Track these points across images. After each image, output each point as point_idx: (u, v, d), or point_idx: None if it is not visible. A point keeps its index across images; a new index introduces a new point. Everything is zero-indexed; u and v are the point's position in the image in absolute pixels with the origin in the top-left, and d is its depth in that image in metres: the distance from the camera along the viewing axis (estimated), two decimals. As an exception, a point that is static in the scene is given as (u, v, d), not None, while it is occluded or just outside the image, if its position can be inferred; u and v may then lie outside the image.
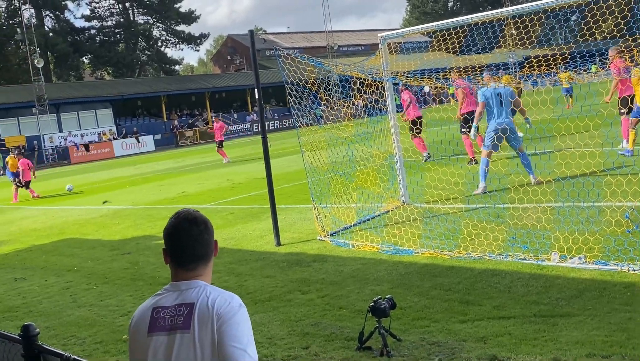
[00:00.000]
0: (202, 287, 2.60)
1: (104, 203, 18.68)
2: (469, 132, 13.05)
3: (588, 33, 10.72)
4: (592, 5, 9.31)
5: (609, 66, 14.19)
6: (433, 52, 13.61)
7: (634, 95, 13.49)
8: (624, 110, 13.68)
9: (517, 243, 7.72)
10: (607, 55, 13.43)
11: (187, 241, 2.63)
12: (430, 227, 9.20)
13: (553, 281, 6.44)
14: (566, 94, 28.34)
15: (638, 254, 6.59)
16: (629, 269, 6.31)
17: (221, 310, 2.50)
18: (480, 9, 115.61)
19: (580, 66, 10.06)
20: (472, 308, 6.00)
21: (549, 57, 10.44)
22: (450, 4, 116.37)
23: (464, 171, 12.30)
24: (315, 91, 10.89)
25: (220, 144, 29.04)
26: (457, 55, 13.45)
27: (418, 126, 16.27)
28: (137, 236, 12.36)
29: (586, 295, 5.90)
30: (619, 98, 14.00)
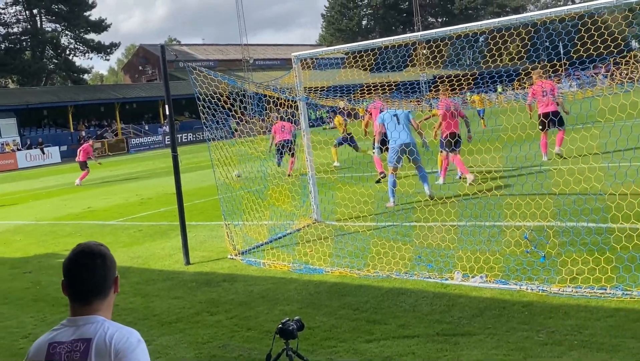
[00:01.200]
0: (100, 322, 2.57)
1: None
2: (449, 151, 13.52)
3: (497, 54, 11.19)
4: (495, 34, 9.73)
5: (529, 86, 15.11)
6: (348, 68, 13.83)
7: (556, 111, 14.70)
8: (543, 126, 14.93)
9: (422, 261, 7.94)
10: (514, 77, 14.21)
11: (84, 276, 2.61)
12: (340, 245, 9.33)
13: (456, 299, 6.65)
14: (480, 116, 29.20)
15: (536, 274, 6.90)
16: (527, 288, 6.59)
17: (120, 345, 2.48)
18: (393, 28, 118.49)
19: (488, 87, 10.52)
20: (379, 327, 6.12)
21: (460, 77, 10.85)
22: (364, 22, 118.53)
23: (373, 191, 12.54)
24: (230, 105, 10.88)
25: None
26: (371, 72, 13.73)
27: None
28: (40, 253, 11.94)
29: (487, 314, 6.12)
30: (540, 114, 15.16)
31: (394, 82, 12.96)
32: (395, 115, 11.96)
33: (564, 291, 6.39)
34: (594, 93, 15.20)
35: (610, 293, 6.16)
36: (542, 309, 6.06)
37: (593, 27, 8.64)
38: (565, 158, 14.26)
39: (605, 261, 6.75)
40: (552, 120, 14.62)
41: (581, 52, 9.19)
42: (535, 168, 12.53)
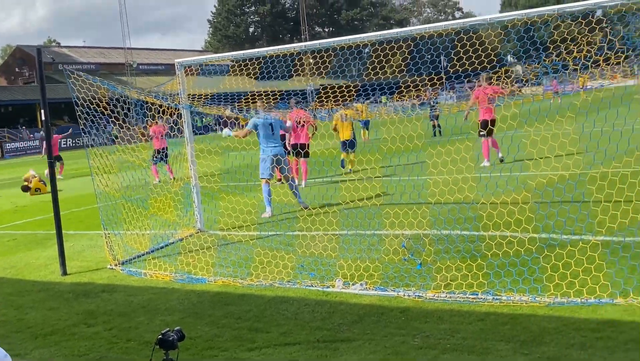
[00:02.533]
0: None
1: None
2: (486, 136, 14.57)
3: (379, 67, 11.52)
4: (377, 46, 10.03)
5: (474, 92, 16.04)
6: (234, 76, 13.80)
7: (494, 119, 15.37)
8: (483, 132, 15.52)
9: (305, 270, 8.03)
10: (402, 88, 14.84)
11: None
12: (223, 255, 9.28)
13: (337, 306, 6.78)
14: (363, 127, 29.71)
15: (413, 280, 7.15)
16: (404, 295, 6.82)
17: None
18: (280, 36, 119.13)
19: (372, 98, 10.84)
20: (261, 335, 6.14)
21: (343, 87, 11.08)
22: (251, 30, 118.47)
23: (256, 200, 12.55)
24: (110, 111, 10.59)
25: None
26: (257, 81, 13.76)
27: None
28: None
29: (366, 320, 6.28)
30: (479, 121, 15.78)
31: (278, 91, 13.09)
32: (271, 124, 12.08)
33: (438, 296, 6.65)
34: (470, 107, 15.95)
35: (481, 298, 6.47)
36: (418, 314, 6.28)
37: (468, 43, 9.08)
38: (503, 162, 15.23)
39: (477, 267, 7.10)
40: (490, 129, 15.34)
41: (457, 67, 9.64)
42: (412, 179, 12.96)
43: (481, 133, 15.77)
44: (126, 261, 9.51)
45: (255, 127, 12.10)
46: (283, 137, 15.08)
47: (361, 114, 29.05)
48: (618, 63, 7.60)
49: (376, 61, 10.88)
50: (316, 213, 11.31)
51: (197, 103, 10.96)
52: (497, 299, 6.38)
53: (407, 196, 11.59)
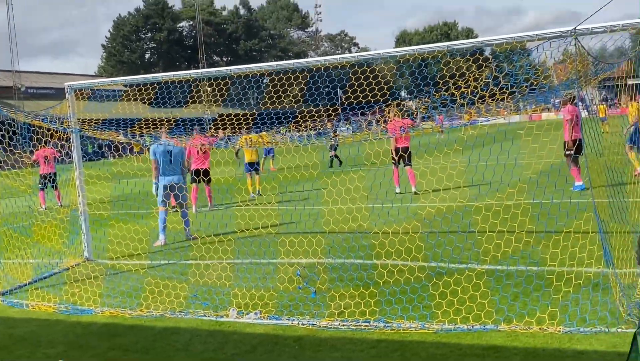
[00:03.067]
0: None
1: None
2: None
3: (276, 96, 11.59)
4: (274, 76, 10.10)
5: (384, 124, 16.25)
6: (127, 101, 13.53)
7: (406, 147, 15.77)
8: (395, 161, 15.94)
9: (198, 300, 7.88)
10: (299, 118, 15.31)
11: None
12: (112, 285, 8.96)
13: (230, 336, 6.68)
14: (267, 155, 29.42)
15: (307, 309, 7.15)
16: (298, 323, 6.80)
17: None
18: (177, 63, 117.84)
19: (271, 126, 10.88)
20: (150, 368, 5.96)
21: (240, 116, 11.06)
22: (147, 56, 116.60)
23: (148, 228, 12.25)
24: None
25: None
26: (151, 107, 13.53)
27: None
28: None
29: (259, 349, 6.22)
30: (393, 150, 15.96)
31: (173, 118, 12.92)
32: (170, 152, 12.03)
33: (332, 324, 6.68)
34: (362, 138, 16.32)
35: (373, 326, 6.55)
36: (312, 343, 6.28)
37: (362, 77, 9.31)
38: (418, 194, 15.37)
39: (369, 295, 7.20)
40: (402, 155, 15.82)
41: (352, 100, 9.85)
42: (308, 208, 13.06)
43: (393, 162, 16.16)
44: (7, 292, 9.02)
45: (155, 155, 12.09)
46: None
47: (265, 142, 28.99)
48: (503, 99, 7.99)
49: (273, 90, 10.97)
50: (211, 242, 11.14)
51: (87, 128, 10.64)
52: (388, 326, 6.48)
53: (302, 224, 11.65)
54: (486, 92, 7.78)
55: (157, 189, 12.42)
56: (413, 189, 15.94)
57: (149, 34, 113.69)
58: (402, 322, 6.52)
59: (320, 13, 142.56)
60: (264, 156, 28.57)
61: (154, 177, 12.48)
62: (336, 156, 27.98)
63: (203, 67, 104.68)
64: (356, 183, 10.34)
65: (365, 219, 10.39)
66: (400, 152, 15.83)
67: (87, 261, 10.57)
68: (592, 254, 7.27)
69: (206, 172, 15.75)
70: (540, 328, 5.96)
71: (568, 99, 13.62)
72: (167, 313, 7.51)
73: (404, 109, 16.90)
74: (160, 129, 12.65)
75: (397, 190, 16.06)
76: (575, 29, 6.54)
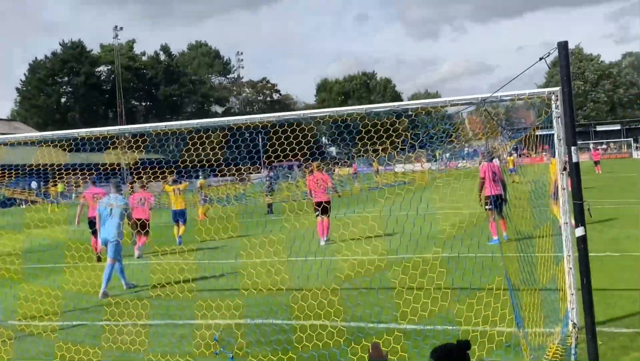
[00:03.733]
0: None
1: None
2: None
3: (194, 148, 11.54)
4: (194, 134, 10.08)
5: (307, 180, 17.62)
6: (45, 147, 13.16)
7: (328, 200, 16.93)
8: (319, 211, 16.81)
9: (112, 366, 7.63)
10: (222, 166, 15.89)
11: None
12: (22, 350, 8.56)
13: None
14: (204, 204, 29.07)
15: (224, 374, 7.04)
16: (215, 390, 6.68)
17: None
18: (94, 107, 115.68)
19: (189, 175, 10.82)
20: None
21: (162, 163, 10.94)
22: (63, 100, 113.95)
23: (65, 285, 11.81)
24: None
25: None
26: (70, 153, 13.25)
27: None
28: None
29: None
30: (315, 202, 16.83)
31: (93, 164, 12.66)
32: (111, 207, 12.05)
33: (249, 391, 6.59)
34: (285, 197, 16.89)
35: (291, 392, 6.50)
36: (229, 412, 6.17)
37: (286, 124, 9.37)
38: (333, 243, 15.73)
39: (288, 360, 7.14)
40: (325, 207, 16.74)
41: (276, 147, 9.90)
42: (229, 262, 12.94)
43: (317, 214, 16.90)
44: None
45: (99, 211, 12.26)
46: None
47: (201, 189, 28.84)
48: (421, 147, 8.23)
49: (189, 139, 10.96)
50: (126, 301, 10.81)
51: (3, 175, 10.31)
52: (307, 392, 6.44)
53: (224, 280, 11.51)
54: (405, 145, 8.03)
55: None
56: (324, 239, 16.60)
57: (66, 78, 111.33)
58: (320, 388, 6.49)
59: (242, 60, 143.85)
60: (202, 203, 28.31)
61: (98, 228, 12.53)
62: (270, 205, 27.77)
63: (121, 112, 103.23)
64: (279, 235, 10.37)
65: (285, 273, 10.37)
66: (322, 205, 16.56)
67: (-5, 324, 10.08)
68: (505, 314, 7.48)
69: (143, 224, 16.16)
70: (455, 392, 6.04)
71: (485, 158, 14.32)
72: (78, 381, 7.24)
73: (324, 166, 18.55)
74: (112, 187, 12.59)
75: (322, 242, 16.34)
76: (484, 100, 6.84)
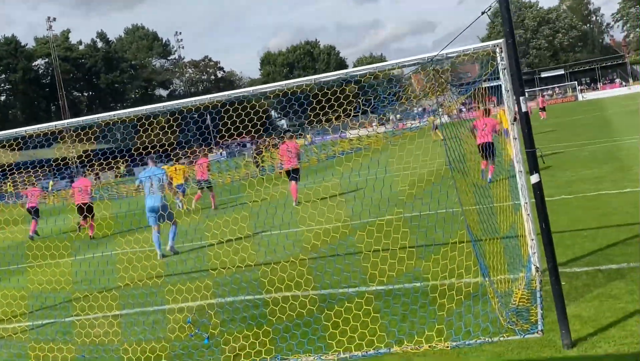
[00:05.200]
0: None
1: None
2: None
3: (144, 133, 11.42)
4: (144, 120, 9.97)
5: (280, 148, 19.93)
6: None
7: (296, 168, 18.71)
8: (294, 176, 18.72)
9: (87, 360, 7.60)
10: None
11: None
12: (-8, 355, 8.47)
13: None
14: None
15: (202, 356, 7.06)
16: (194, 372, 6.73)
17: None
18: (36, 102, 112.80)
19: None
20: None
21: (107, 152, 10.80)
22: (2, 98, 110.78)
23: (30, 284, 11.63)
24: None
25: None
26: (19, 150, 12.99)
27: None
28: None
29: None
30: (285, 170, 18.74)
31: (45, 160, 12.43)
32: (150, 177, 13.45)
33: (229, 369, 6.65)
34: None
35: (270, 364, 6.58)
36: (211, 391, 6.23)
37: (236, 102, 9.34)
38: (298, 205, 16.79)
39: (263, 333, 7.21)
40: (294, 177, 18.66)
41: (228, 125, 9.87)
42: (193, 244, 12.93)
43: (291, 177, 18.80)
44: None
45: (140, 181, 13.82)
46: None
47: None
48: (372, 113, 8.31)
49: (139, 125, 10.84)
50: (93, 297, 10.67)
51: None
52: (284, 362, 6.53)
53: (191, 261, 11.50)
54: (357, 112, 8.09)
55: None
56: (294, 203, 18.16)
57: (3, 75, 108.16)
58: (298, 357, 6.59)
59: (181, 40, 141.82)
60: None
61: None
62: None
63: (63, 105, 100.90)
64: (242, 212, 10.43)
65: (251, 250, 10.43)
66: (291, 172, 18.58)
67: (-39, 331, 9.93)
68: (470, 266, 7.68)
69: (89, 208, 17.79)
70: (429, 346, 6.21)
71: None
72: (55, 379, 7.20)
73: (293, 135, 21.28)
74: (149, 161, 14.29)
75: (295, 204, 18.22)
76: (431, 59, 6.92)
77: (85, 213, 17.41)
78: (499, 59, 7.72)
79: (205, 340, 7.48)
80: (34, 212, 20.55)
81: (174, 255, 13.42)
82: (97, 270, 11.84)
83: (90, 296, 10.63)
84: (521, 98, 5.94)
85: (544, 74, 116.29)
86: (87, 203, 17.88)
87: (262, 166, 26.92)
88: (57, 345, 8.11)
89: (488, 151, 15.70)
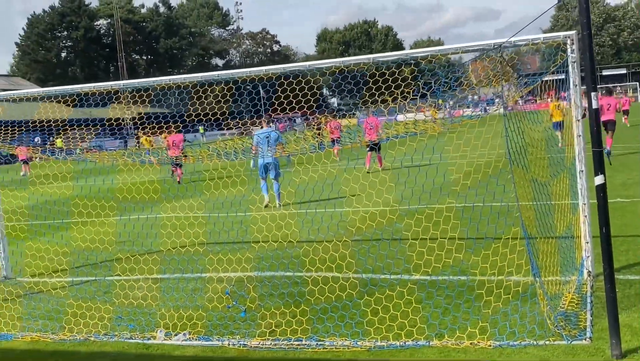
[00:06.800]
0: None
1: None
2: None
3: (198, 100, 11.36)
4: (198, 88, 9.91)
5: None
6: (48, 103, 13.01)
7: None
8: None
9: (124, 321, 7.60)
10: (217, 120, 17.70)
11: None
12: (32, 307, 8.54)
13: (158, 359, 6.47)
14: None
15: (237, 328, 7.01)
16: (229, 344, 6.66)
17: None
18: (95, 62, 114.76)
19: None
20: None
21: (164, 116, 10.79)
22: (63, 54, 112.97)
23: (73, 241, 11.74)
24: None
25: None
26: (74, 107, 13.14)
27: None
28: None
29: (189, 374, 6.05)
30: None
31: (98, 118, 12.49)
32: (268, 136, 15.53)
33: (263, 344, 6.56)
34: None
35: (305, 344, 6.46)
36: (243, 364, 6.15)
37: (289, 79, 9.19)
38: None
39: (300, 313, 7.11)
40: (373, 147, 21.59)
41: (282, 99, 9.73)
42: (239, 215, 12.88)
43: (370, 148, 21.61)
44: None
45: (257, 143, 15.57)
46: None
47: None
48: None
49: (193, 92, 10.80)
50: (136, 255, 10.72)
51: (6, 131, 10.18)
52: (320, 345, 6.41)
53: (233, 233, 11.44)
54: (415, 95, 7.85)
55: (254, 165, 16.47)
56: (379, 167, 21.91)
57: (65, 33, 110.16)
58: (334, 340, 6.46)
59: (241, 11, 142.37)
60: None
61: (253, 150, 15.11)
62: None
63: (122, 67, 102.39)
64: (288, 188, 10.30)
65: (294, 227, 10.31)
66: (371, 144, 20.74)
67: (5, 280, 10.09)
68: (521, 264, 7.41)
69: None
70: (471, 343, 6.01)
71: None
72: (92, 336, 7.23)
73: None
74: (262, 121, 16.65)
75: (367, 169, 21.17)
76: (499, 46, 6.63)
77: (177, 163, 20.74)
78: (569, 51, 7.38)
79: (242, 313, 7.41)
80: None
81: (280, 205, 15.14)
82: (141, 233, 11.89)
83: (132, 258, 10.66)
84: (592, 94, 5.63)
85: (605, 72, 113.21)
86: (179, 155, 20.58)
87: (322, 141, 26.92)
88: (95, 303, 8.16)
89: (612, 126, 21.03)
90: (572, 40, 7.33)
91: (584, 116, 7.05)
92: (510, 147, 6.15)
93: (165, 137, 24.61)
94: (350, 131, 23.32)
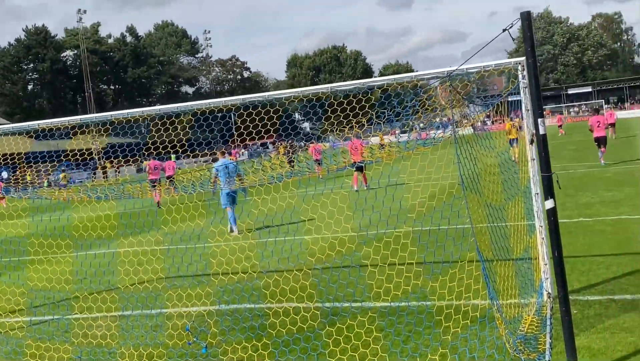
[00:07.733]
0: None
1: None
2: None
3: (163, 129, 11.31)
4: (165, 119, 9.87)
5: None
6: (11, 136, 12.85)
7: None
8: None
9: (83, 362, 7.45)
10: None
11: None
12: (-11, 350, 8.35)
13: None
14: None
15: (198, 364, 6.91)
16: (189, 381, 6.56)
17: None
18: (62, 93, 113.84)
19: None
20: None
21: (132, 145, 10.71)
22: (30, 87, 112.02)
23: (30, 281, 11.50)
24: None
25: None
26: (39, 140, 12.99)
27: None
28: None
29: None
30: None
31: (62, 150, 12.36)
32: (226, 167, 15.80)
33: (224, 380, 6.48)
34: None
35: (266, 379, 6.39)
36: (203, 404, 6.06)
37: (257, 115, 9.22)
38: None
39: (262, 346, 7.03)
40: (360, 167, 22.04)
41: (248, 124, 9.74)
42: (199, 246, 12.77)
43: (357, 168, 21.93)
44: None
45: (217, 170, 15.97)
46: None
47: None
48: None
49: (160, 124, 10.74)
50: (93, 297, 10.51)
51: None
52: (282, 378, 6.34)
53: (193, 266, 11.34)
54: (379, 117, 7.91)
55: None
56: (365, 187, 22.36)
57: (32, 65, 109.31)
58: (296, 373, 6.40)
59: (210, 39, 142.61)
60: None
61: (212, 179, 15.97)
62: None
63: (89, 97, 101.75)
64: (247, 220, 10.21)
65: (254, 259, 10.24)
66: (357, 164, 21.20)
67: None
68: (478, 288, 7.43)
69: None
70: (431, 371, 5.99)
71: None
72: (49, 379, 7.06)
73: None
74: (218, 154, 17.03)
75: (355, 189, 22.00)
76: (450, 74, 6.72)
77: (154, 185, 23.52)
78: (520, 77, 7.50)
79: (203, 349, 7.31)
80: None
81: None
82: (98, 270, 11.72)
83: (89, 297, 10.47)
84: (539, 120, 5.71)
85: (570, 91, 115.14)
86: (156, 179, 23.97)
87: (293, 166, 27.32)
88: (55, 344, 7.99)
89: (604, 141, 24.41)
90: (523, 66, 7.45)
91: (532, 141, 7.13)
92: (462, 173, 6.19)
93: (145, 164, 27.58)
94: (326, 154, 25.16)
